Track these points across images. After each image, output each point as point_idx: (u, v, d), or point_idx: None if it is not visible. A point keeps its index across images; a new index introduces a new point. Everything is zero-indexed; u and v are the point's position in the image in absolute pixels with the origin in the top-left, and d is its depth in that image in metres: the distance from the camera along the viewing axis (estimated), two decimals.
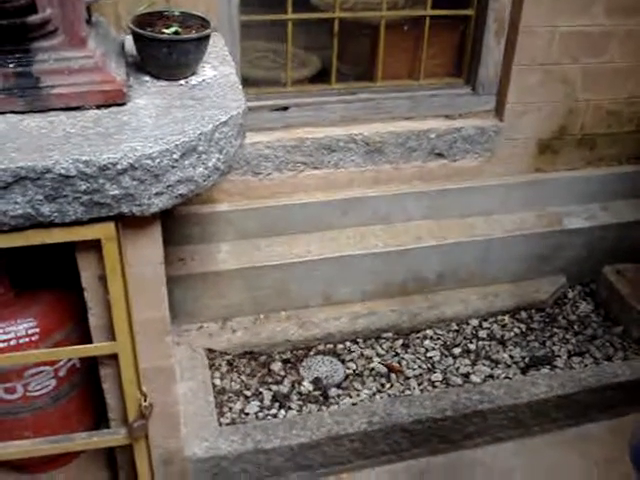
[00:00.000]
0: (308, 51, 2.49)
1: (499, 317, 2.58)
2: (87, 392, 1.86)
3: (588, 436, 2.26)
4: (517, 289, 2.64)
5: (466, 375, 2.35)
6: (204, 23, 1.61)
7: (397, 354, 2.41)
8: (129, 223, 1.41)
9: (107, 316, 1.52)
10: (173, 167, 1.34)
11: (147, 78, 1.58)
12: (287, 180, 2.36)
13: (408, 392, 2.27)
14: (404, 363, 2.38)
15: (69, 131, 1.33)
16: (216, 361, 2.30)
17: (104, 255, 1.41)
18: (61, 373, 1.74)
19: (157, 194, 1.35)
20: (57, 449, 1.69)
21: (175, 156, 1.33)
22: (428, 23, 2.31)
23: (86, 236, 1.37)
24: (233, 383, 2.24)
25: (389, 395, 2.25)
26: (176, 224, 2.26)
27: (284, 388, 2.25)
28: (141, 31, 1.52)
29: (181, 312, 2.29)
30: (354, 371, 2.34)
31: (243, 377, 2.27)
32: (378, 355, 2.41)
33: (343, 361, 2.38)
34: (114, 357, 1.58)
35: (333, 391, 2.26)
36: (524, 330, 2.55)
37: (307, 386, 2.27)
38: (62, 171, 1.24)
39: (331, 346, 2.42)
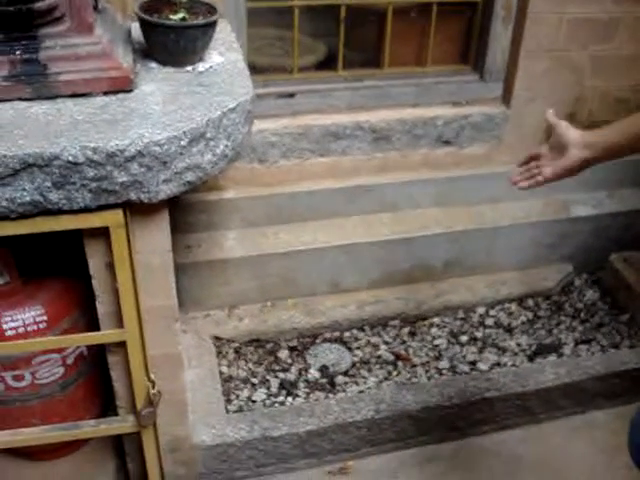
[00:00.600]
0: (314, 38, 2.47)
1: (506, 305, 2.58)
2: (94, 380, 1.86)
3: (595, 423, 2.26)
4: (524, 277, 2.63)
5: (473, 363, 2.35)
6: (211, 9, 1.60)
7: (404, 342, 2.41)
8: (137, 210, 1.41)
9: (115, 303, 1.52)
10: (181, 154, 1.33)
11: (154, 65, 1.57)
12: (294, 167, 2.35)
13: (415, 380, 2.27)
14: (411, 351, 2.38)
15: (76, 118, 1.33)
16: (223, 349, 2.30)
17: (112, 243, 1.41)
18: (69, 361, 1.74)
19: (165, 181, 1.34)
20: (65, 437, 1.70)
21: (183, 143, 1.32)
22: (435, 10, 2.30)
23: (94, 223, 1.36)
24: (240, 371, 2.25)
25: (396, 383, 2.25)
26: (183, 212, 2.26)
27: (291, 376, 2.25)
28: (148, 17, 1.51)
29: (188, 300, 2.29)
30: (361, 359, 2.34)
31: (250, 365, 2.28)
32: (385, 343, 2.41)
33: (350, 349, 2.38)
34: (122, 344, 1.58)
35: (340, 379, 2.26)
36: (531, 318, 2.55)
37: (314, 374, 2.27)
38: (70, 158, 1.24)
39: (338, 334, 2.42)
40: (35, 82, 1.36)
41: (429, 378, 2.28)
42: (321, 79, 2.33)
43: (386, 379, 2.27)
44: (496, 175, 2.47)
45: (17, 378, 1.69)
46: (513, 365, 2.33)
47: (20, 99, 1.36)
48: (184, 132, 1.32)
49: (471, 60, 2.44)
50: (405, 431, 2.10)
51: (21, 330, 1.62)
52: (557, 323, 2.53)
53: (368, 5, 2.32)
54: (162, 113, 1.36)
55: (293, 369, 2.28)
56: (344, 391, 2.22)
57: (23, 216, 1.30)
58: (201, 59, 1.60)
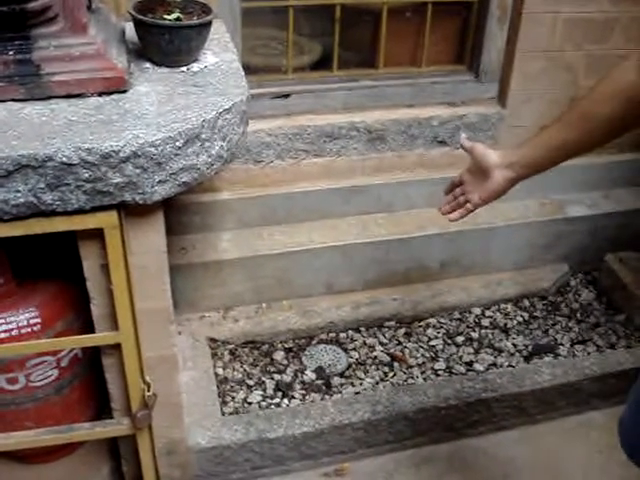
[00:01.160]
0: (309, 38, 2.46)
1: (502, 305, 2.58)
2: (89, 382, 1.84)
3: (591, 424, 2.26)
4: (520, 277, 2.63)
5: (469, 364, 2.34)
6: (205, 9, 1.59)
7: (400, 343, 2.41)
8: (132, 212, 1.40)
9: (110, 305, 1.51)
10: (176, 155, 1.32)
11: (148, 65, 1.56)
12: (289, 168, 2.34)
13: (411, 381, 2.26)
14: (407, 352, 2.37)
15: (70, 119, 1.32)
16: (218, 350, 2.29)
17: (107, 244, 1.40)
18: (63, 363, 1.73)
19: (160, 182, 1.33)
20: (60, 439, 1.69)
21: (178, 144, 1.31)
22: (430, 9, 2.29)
23: (88, 225, 1.35)
24: (235, 372, 2.24)
25: (392, 384, 2.25)
26: (177, 213, 2.25)
27: (287, 377, 2.24)
28: (142, 17, 1.50)
29: (182, 301, 2.28)
30: (357, 360, 2.33)
31: (246, 366, 2.27)
32: (381, 344, 2.40)
33: (346, 350, 2.37)
34: (117, 347, 1.57)
35: (336, 380, 2.25)
36: (527, 318, 2.54)
37: (310, 375, 2.26)
38: (64, 159, 1.23)
39: (333, 335, 2.42)
40: (28, 83, 1.35)
41: (425, 379, 2.27)
42: (316, 79, 2.32)
43: (382, 380, 2.26)
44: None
45: (11, 381, 1.68)
46: (509, 366, 2.33)
47: (13, 100, 1.35)
48: (179, 133, 1.31)
49: (466, 60, 2.43)
50: (401, 432, 2.10)
51: (15, 332, 1.61)
52: (553, 323, 2.52)
53: (363, 5, 2.31)
54: (157, 114, 1.35)
55: (289, 370, 2.27)
56: (340, 392, 2.21)
57: (17, 218, 1.29)
58: (196, 59, 1.60)
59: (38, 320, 1.62)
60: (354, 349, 2.37)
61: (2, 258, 1.58)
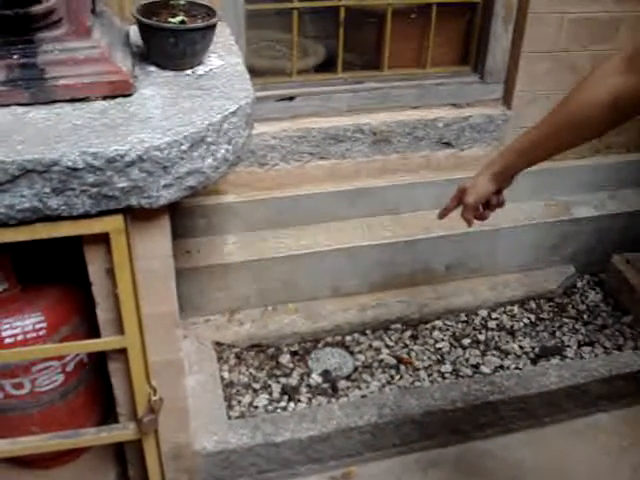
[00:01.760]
0: (314, 40, 2.46)
1: (508, 307, 2.56)
2: (94, 387, 1.84)
3: (599, 426, 2.25)
4: (526, 279, 2.62)
5: (476, 366, 2.33)
6: (209, 12, 1.58)
7: (406, 345, 2.40)
8: (137, 216, 1.39)
9: (115, 310, 1.50)
10: (182, 158, 1.31)
11: (153, 68, 1.55)
12: (293, 171, 2.33)
13: (418, 384, 2.25)
14: (413, 354, 2.36)
15: (75, 123, 1.31)
16: (224, 354, 2.28)
17: (112, 249, 1.39)
18: (69, 368, 1.72)
19: (166, 186, 1.32)
20: (66, 445, 1.68)
21: (184, 147, 1.31)
22: (435, 11, 2.28)
23: (94, 229, 1.35)
24: (241, 376, 2.23)
25: (399, 387, 2.24)
26: (182, 216, 2.24)
27: (293, 381, 2.23)
28: (147, 20, 1.49)
29: (188, 305, 2.27)
30: (363, 363, 2.32)
31: (251, 370, 2.26)
32: (387, 347, 2.39)
33: (352, 353, 2.36)
34: (123, 351, 1.56)
35: (342, 383, 2.24)
36: (533, 320, 2.53)
37: (316, 378, 2.25)
38: (69, 164, 1.22)
39: (339, 338, 2.41)
40: (33, 87, 1.34)
41: (432, 382, 2.26)
42: (321, 81, 2.31)
43: (389, 383, 2.25)
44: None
45: (16, 386, 1.67)
46: (516, 368, 2.32)
47: (18, 104, 1.34)
48: (185, 136, 1.31)
49: (471, 61, 2.43)
50: (408, 436, 2.09)
51: (20, 337, 1.60)
52: (560, 325, 2.51)
53: (367, 7, 2.31)
54: (162, 117, 1.35)
55: (295, 374, 2.26)
56: (346, 396, 2.20)
57: (22, 222, 1.28)
58: (200, 62, 1.59)
59: (44, 325, 1.62)
60: (360, 352, 2.36)
61: (7, 263, 1.58)
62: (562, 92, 2.41)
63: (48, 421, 1.75)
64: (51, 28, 1.35)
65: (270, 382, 2.22)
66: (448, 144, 2.44)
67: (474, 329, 2.48)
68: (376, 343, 2.39)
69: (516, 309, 2.56)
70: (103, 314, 1.52)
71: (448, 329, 2.47)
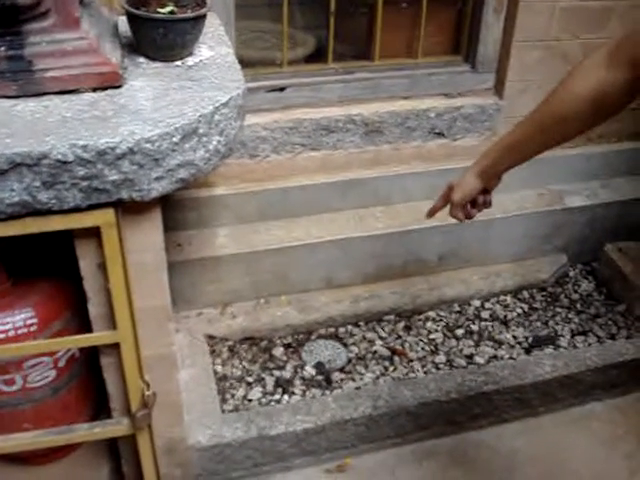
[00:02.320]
0: (304, 30, 2.44)
1: (501, 297, 2.56)
2: (86, 382, 1.82)
3: (593, 415, 2.26)
4: (518, 269, 2.62)
5: (470, 356, 2.33)
6: (199, 2, 1.56)
7: (399, 337, 2.39)
8: (129, 209, 1.37)
9: (107, 304, 1.49)
10: (173, 151, 1.30)
11: (142, 60, 1.53)
12: (285, 162, 2.32)
13: (412, 375, 2.24)
14: (407, 345, 2.36)
15: (65, 115, 1.29)
16: (216, 347, 2.27)
17: (103, 242, 1.37)
18: (60, 363, 1.70)
19: (157, 179, 1.31)
20: (59, 441, 1.66)
21: (175, 139, 1.29)
22: (426, 0, 2.26)
23: (85, 223, 1.33)
24: (235, 369, 2.22)
25: (393, 378, 2.23)
26: (172, 209, 2.22)
27: (286, 373, 2.22)
28: (136, 11, 1.47)
29: (179, 298, 2.26)
30: (357, 355, 2.32)
31: (245, 363, 2.25)
32: (380, 338, 2.38)
33: (345, 345, 2.35)
34: (115, 346, 1.54)
35: (336, 375, 2.24)
36: (526, 310, 2.53)
37: (310, 371, 2.24)
38: (59, 157, 1.20)
39: (333, 330, 2.40)
40: (21, 79, 1.32)
41: (426, 373, 2.26)
42: (311, 72, 2.29)
43: (383, 375, 2.25)
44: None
45: (8, 382, 1.66)
46: (510, 358, 2.32)
47: (5, 97, 1.32)
48: (176, 128, 1.29)
49: (463, 51, 2.41)
50: (403, 427, 2.08)
51: (11, 333, 1.58)
52: (553, 315, 2.51)
53: None
54: (153, 109, 1.33)
55: (288, 366, 2.25)
56: (340, 388, 2.19)
57: (12, 217, 1.26)
58: (190, 53, 1.57)
59: (34, 320, 1.60)
60: (354, 344, 2.35)
61: None
62: (554, 81, 2.41)
63: (40, 417, 1.73)
64: (39, 19, 1.32)
65: (264, 375, 2.21)
66: (440, 134, 2.43)
67: (467, 319, 2.47)
68: (369, 335, 2.39)
69: (509, 299, 2.56)
70: (95, 309, 1.50)
71: (441, 320, 2.46)
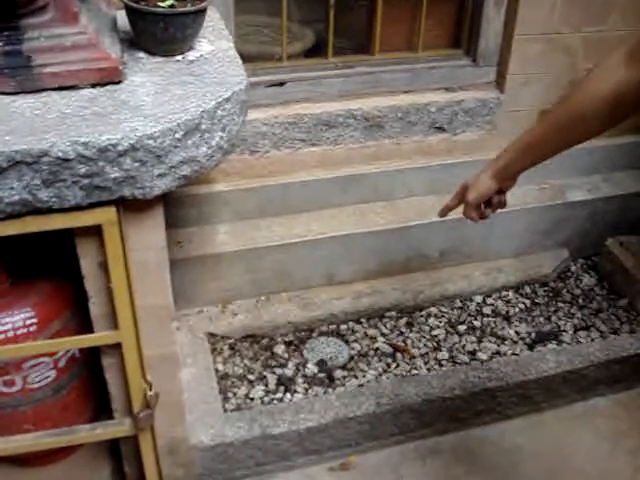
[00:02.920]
0: (301, 24, 2.42)
1: (503, 293, 2.54)
2: (87, 382, 1.80)
3: (597, 410, 2.24)
4: (520, 264, 2.60)
5: (472, 353, 2.31)
6: None
7: (401, 333, 2.37)
8: (131, 207, 1.35)
9: (109, 304, 1.46)
10: (176, 147, 1.28)
11: (142, 54, 1.51)
12: (285, 158, 2.30)
13: (415, 372, 2.23)
14: (409, 342, 2.34)
15: (64, 112, 1.26)
16: (218, 345, 2.25)
17: (105, 241, 1.35)
18: (61, 364, 1.68)
19: (160, 176, 1.28)
20: (60, 442, 1.64)
21: (177, 135, 1.27)
22: None
23: (86, 222, 1.31)
24: (236, 368, 2.19)
25: (395, 375, 2.21)
26: (172, 206, 2.19)
27: (288, 371, 2.20)
28: (135, 5, 1.45)
29: (180, 296, 2.23)
30: (359, 352, 2.30)
31: (246, 361, 2.23)
32: (382, 335, 2.36)
33: (347, 342, 2.33)
34: (117, 346, 1.52)
35: (338, 373, 2.22)
36: (529, 305, 2.51)
37: (312, 368, 2.22)
38: (60, 154, 1.18)
39: (334, 327, 2.37)
40: (19, 75, 1.29)
41: (429, 370, 2.24)
42: (311, 66, 2.27)
43: (385, 372, 2.23)
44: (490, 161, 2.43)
45: (8, 383, 1.64)
46: (513, 354, 2.30)
47: (3, 93, 1.30)
48: (178, 124, 1.27)
49: (463, 44, 2.39)
50: (407, 424, 2.07)
51: (10, 334, 1.56)
52: (555, 310, 2.49)
53: None
54: (154, 105, 1.31)
55: (290, 364, 2.23)
56: (343, 385, 2.17)
57: (11, 216, 1.24)
58: (191, 48, 1.55)
59: (34, 320, 1.58)
60: (355, 341, 2.33)
61: None
62: (555, 75, 2.41)
63: (41, 418, 1.72)
64: (37, 14, 1.30)
65: (265, 373, 2.19)
66: (441, 129, 2.40)
67: (469, 315, 2.45)
68: (371, 331, 2.37)
69: (511, 294, 2.54)
70: (96, 308, 1.48)
71: (443, 316, 2.45)
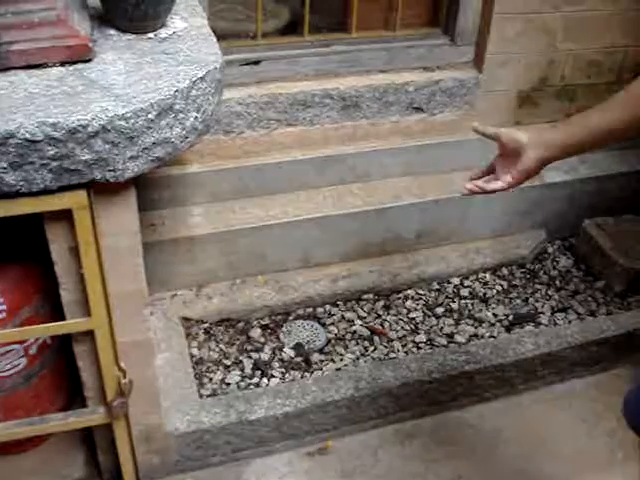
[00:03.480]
0: (278, 2, 2.36)
1: (480, 275, 2.53)
2: (59, 369, 1.76)
3: (574, 392, 2.24)
4: (497, 245, 2.59)
5: (450, 335, 2.29)
6: None
7: (379, 316, 2.35)
8: (102, 190, 1.30)
9: (81, 290, 1.42)
10: (148, 128, 1.23)
11: (113, 32, 1.45)
12: (260, 138, 2.25)
13: (392, 355, 2.21)
14: (387, 325, 2.32)
15: (32, 91, 1.21)
16: (192, 330, 2.21)
17: (76, 226, 1.31)
18: (31, 351, 1.64)
19: (132, 158, 1.24)
20: (32, 432, 1.60)
21: (150, 116, 1.22)
22: None
23: (56, 206, 1.26)
24: (212, 352, 2.16)
25: (373, 359, 2.19)
26: (144, 188, 2.14)
27: (265, 355, 2.17)
28: None
29: (153, 280, 2.18)
30: (336, 335, 2.27)
31: (222, 345, 2.19)
32: (360, 318, 2.34)
33: (324, 325, 2.30)
34: (89, 333, 1.48)
35: (315, 356, 2.19)
36: (506, 287, 2.50)
37: (288, 352, 2.19)
38: (27, 136, 1.13)
39: (311, 310, 2.35)
40: None
41: (407, 352, 2.22)
42: (287, 45, 2.22)
43: (363, 355, 2.21)
44: (468, 142, 2.40)
45: None
46: (490, 336, 2.29)
47: None
48: (151, 104, 1.22)
49: (442, 23, 2.36)
50: (385, 408, 2.05)
51: None
52: (532, 292, 2.48)
53: None
54: (126, 84, 1.26)
55: (266, 348, 2.20)
56: (320, 369, 2.15)
57: None
58: (163, 25, 1.49)
59: (3, 307, 1.53)
60: (332, 324, 2.31)
61: None
62: (534, 55, 2.39)
63: (12, 406, 1.67)
64: None
65: (241, 358, 2.16)
66: (419, 109, 2.37)
67: (447, 297, 2.44)
68: (348, 314, 2.34)
69: (488, 276, 2.53)
70: (67, 295, 1.44)
71: (421, 298, 2.43)
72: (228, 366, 2.13)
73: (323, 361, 2.18)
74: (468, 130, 2.39)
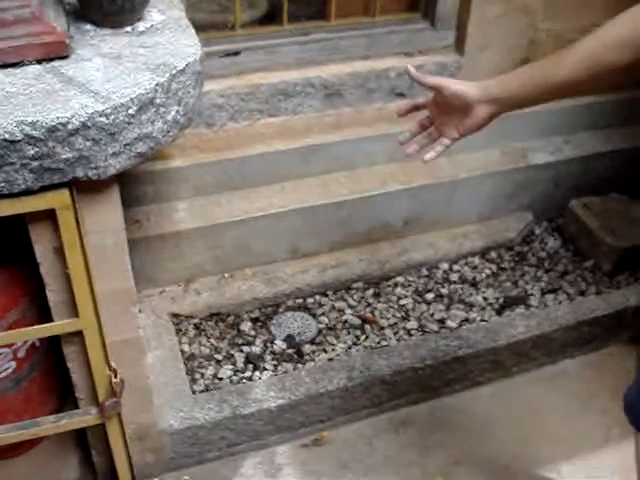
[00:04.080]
0: None
1: (469, 259, 2.52)
2: (49, 371, 1.74)
3: (566, 373, 2.25)
4: (485, 229, 2.58)
5: (441, 321, 2.29)
6: None
7: (369, 304, 2.34)
8: (85, 189, 1.28)
9: (67, 291, 1.40)
10: (130, 123, 1.21)
11: (89, 27, 1.42)
12: (243, 130, 2.23)
13: (384, 343, 2.20)
14: (377, 313, 2.31)
15: (9, 90, 1.19)
16: (182, 326, 2.19)
17: (59, 225, 1.29)
18: (20, 354, 1.62)
19: (114, 154, 1.22)
20: (25, 436, 1.58)
21: (131, 111, 1.20)
22: None
23: (38, 206, 1.24)
24: (202, 347, 2.14)
25: (365, 347, 2.19)
26: (128, 185, 2.11)
27: (256, 349, 2.16)
28: None
29: (141, 277, 2.16)
30: (327, 325, 2.26)
31: (212, 340, 2.18)
32: (350, 307, 2.33)
33: (314, 315, 2.29)
34: (78, 334, 1.46)
35: (307, 347, 2.18)
36: (495, 271, 2.50)
37: (280, 344, 2.18)
38: (6, 136, 1.10)
39: (301, 301, 2.33)
40: None
41: (398, 340, 2.21)
42: (266, 34, 2.19)
43: (355, 344, 2.20)
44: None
45: None
46: (482, 320, 2.28)
47: None
48: (131, 99, 1.20)
49: (421, 7, 2.33)
50: (379, 396, 2.05)
51: None
52: (522, 274, 2.48)
53: None
54: (104, 80, 1.23)
55: (258, 341, 2.19)
56: (313, 360, 2.14)
57: None
58: (141, 18, 1.46)
59: None
60: (323, 314, 2.30)
61: None
62: (515, 36, 2.37)
63: (3, 411, 1.66)
64: None
65: (233, 352, 2.15)
66: (401, 95, 2.35)
67: (436, 283, 2.43)
68: (339, 304, 2.33)
69: (477, 260, 2.53)
70: (54, 296, 1.42)
71: (410, 285, 2.42)
72: (220, 361, 2.11)
73: (315, 352, 2.17)
74: None
